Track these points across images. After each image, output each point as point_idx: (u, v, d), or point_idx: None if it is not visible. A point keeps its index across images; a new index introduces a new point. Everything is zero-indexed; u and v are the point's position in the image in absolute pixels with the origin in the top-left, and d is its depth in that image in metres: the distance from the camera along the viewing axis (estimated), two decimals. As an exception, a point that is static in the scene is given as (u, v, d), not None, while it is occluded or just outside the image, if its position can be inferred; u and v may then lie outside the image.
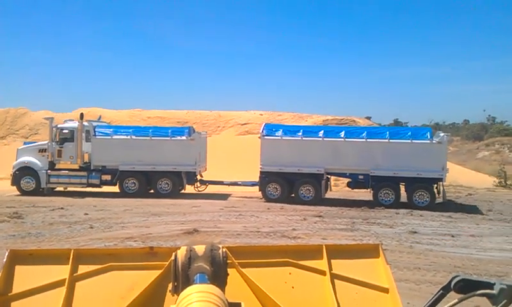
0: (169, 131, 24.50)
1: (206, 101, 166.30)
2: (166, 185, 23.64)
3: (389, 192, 21.38)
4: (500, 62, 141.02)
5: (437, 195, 21.31)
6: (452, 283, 1.49)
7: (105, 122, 27.69)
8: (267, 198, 22.27)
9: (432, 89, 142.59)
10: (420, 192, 21.14)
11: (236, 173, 25.86)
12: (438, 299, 1.54)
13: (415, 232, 15.68)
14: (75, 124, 24.39)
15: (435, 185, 21.34)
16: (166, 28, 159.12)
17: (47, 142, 24.43)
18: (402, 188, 21.79)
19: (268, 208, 20.11)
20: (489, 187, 27.71)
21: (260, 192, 22.75)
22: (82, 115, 24.52)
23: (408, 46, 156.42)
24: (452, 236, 15.28)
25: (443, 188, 21.39)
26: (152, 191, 23.83)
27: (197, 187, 24.60)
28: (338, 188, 26.32)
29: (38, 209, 19.05)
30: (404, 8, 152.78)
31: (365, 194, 22.98)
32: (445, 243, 14.34)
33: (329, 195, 23.09)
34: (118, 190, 23.74)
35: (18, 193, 23.72)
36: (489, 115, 75.72)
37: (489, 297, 1.46)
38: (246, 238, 14.24)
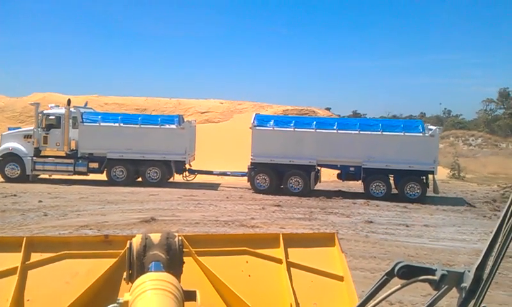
0: (159, 119, 24.09)
1: (165, 88, 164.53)
2: (155, 174, 23.21)
3: (380, 184, 21.42)
4: (457, 56, 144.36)
5: (428, 187, 21.51)
6: (396, 269, 1.52)
7: (91, 109, 27.06)
8: (256, 189, 21.96)
9: (390, 81, 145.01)
10: (411, 185, 21.22)
11: (200, 161, 25.70)
12: (382, 284, 1.57)
13: (371, 222, 15.98)
14: (61, 110, 23.73)
15: (423, 177, 21.48)
16: (123, 12, 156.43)
17: (32, 128, 23.79)
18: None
19: (227, 197, 20.10)
20: (443, 179, 28.40)
21: (249, 183, 22.51)
22: (69, 101, 23.88)
23: (366, 38, 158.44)
24: (407, 226, 15.63)
25: (435, 181, 21.51)
26: (140, 180, 23.45)
27: (186, 177, 24.31)
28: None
29: (-11, 196, 18.54)
30: (363, 1, 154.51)
31: (340, 185, 23.22)
32: (399, 232, 14.67)
33: (317, 187, 22.73)
34: (105, 179, 23.23)
35: (2, 180, 23.02)
36: (445, 108, 77.59)
37: (431, 282, 1.50)
38: (204, 227, 14.21)
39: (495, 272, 1.40)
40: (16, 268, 2.80)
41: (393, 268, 1.53)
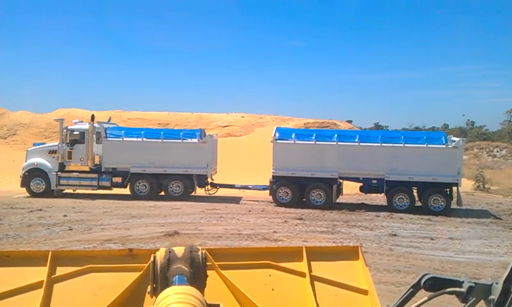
0: (181, 133, 24.26)
1: (187, 103, 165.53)
2: (177, 188, 23.38)
3: (403, 196, 21.22)
4: (479, 67, 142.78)
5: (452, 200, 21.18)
6: (422, 281, 1.51)
7: (115, 124, 27.46)
8: (278, 202, 21.91)
9: (412, 93, 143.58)
10: (435, 197, 20.95)
11: (222, 175, 25.77)
12: (408, 297, 1.56)
13: (395, 235, 15.81)
14: (85, 126, 24.13)
15: (447, 190, 21.21)
16: (144, 28, 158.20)
17: (57, 143, 24.17)
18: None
19: (249, 211, 20.08)
20: (467, 191, 28.02)
21: (271, 197, 22.48)
22: (93, 117, 24.21)
23: (388, 50, 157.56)
24: (432, 239, 15.43)
25: (459, 194, 21.18)
26: (162, 194, 23.60)
27: (208, 190, 24.41)
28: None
29: (16, 210, 18.80)
30: (383, 13, 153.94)
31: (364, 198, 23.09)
32: (424, 246, 14.48)
33: (339, 200, 22.58)
34: (128, 193, 23.47)
35: (27, 195, 23.41)
36: (468, 119, 76.69)
37: (458, 295, 1.48)
38: (226, 241, 14.21)
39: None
40: (42, 282, 2.83)
41: (419, 281, 1.52)
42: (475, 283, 1.47)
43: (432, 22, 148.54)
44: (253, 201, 23.10)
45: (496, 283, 1.44)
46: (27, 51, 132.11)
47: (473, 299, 1.47)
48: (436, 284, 1.50)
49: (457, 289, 1.49)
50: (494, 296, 1.42)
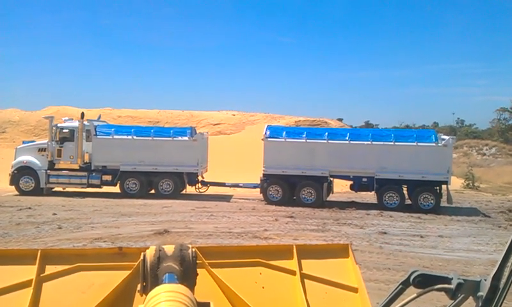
0: (171, 131, 24.22)
1: (178, 100, 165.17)
2: (168, 186, 23.33)
3: (393, 195, 21.30)
4: (469, 65, 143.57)
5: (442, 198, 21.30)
6: (411, 278, 1.52)
7: (105, 122, 27.33)
8: (268, 201, 21.93)
9: (403, 91, 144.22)
10: (425, 195, 21.07)
11: (212, 173, 25.75)
12: (398, 294, 1.56)
13: (385, 233, 15.88)
14: (75, 123, 24.00)
15: (437, 188, 21.30)
16: (135, 25, 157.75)
17: (46, 141, 24.08)
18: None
19: (240, 209, 20.09)
20: (457, 189, 28.18)
21: (262, 195, 22.47)
22: (83, 114, 24.09)
23: (379, 48, 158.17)
24: (421, 236, 15.51)
25: (449, 192, 21.28)
26: (153, 192, 23.55)
27: (198, 188, 24.35)
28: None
29: (4, 209, 18.68)
30: (374, 10, 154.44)
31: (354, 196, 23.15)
32: (414, 243, 14.56)
33: (330, 198, 22.52)
34: (118, 191, 23.39)
35: (16, 193, 23.27)
36: (458, 118, 77.11)
37: (447, 291, 1.49)
38: (217, 239, 14.20)
39: (512, 281, 1.39)
40: (31, 281, 2.82)
41: (408, 277, 1.53)
42: (464, 280, 1.48)
43: (423, 20, 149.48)
44: (244, 199, 23.10)
45: (485, 280, 1.45)
46: (17, 48, 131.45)
47: (462, 295, 1.49)
48: (425, 281, 1.50)
49: (446, 286, 1.49)
50: (483, 293, 1.43)
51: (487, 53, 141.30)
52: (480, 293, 1.44)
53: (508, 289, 1.39)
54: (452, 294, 1.48)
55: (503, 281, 1.40)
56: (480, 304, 1.43)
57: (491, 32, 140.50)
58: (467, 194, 27.97)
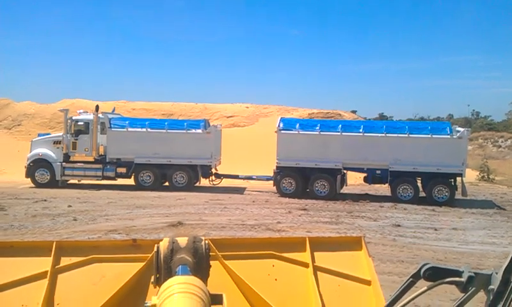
0: (185, 124, 24.35)
1: (191, 93, 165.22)
2: (182, 179, 23.44)
3: (407, 187, 21.16)
4: (484, 57, 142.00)
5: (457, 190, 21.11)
6: (422, 271, 1.52)
7: (119, 114, 27.52)
8: (282, 193, 21.93)
9: (417, 83, 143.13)
10: (439, 187, 20.93)
11: (226, 165, 25.79)
12: (408, 287, 1.56)
13: (399, 225, 15.81)
14: (90, 116, 24.20)
15: (451, 180, 21.16)
16: (149, 19, 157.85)
17: (61, 134, 24.32)
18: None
19: (253, 201, 20.12)
20: (472, 181, 27.96)
21: (275, 187, 22.47)
22: (97, 107, 24.23)
23: (394, 40, 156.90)
24: (435, 229, 15.43)
25: (463, 184, 21.10)
26: (167, 184, 23.67)
27: (212, 181, 24.48)
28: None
29: (20, 201, 18.88)
30: (388, 2, 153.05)
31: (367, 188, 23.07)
32: (428, 236, 14.48)
33: (343, 190, 22.49)
34: (133, 183, 23.55)
35: (32, 185, 23.53)
36: (474, 110, 76.44)
37: (458, 284, 1.49)
38: (230, 231, 14.24)
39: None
40: (47, 273, 2.85)
41: (419, 270, 1.53)
42: (475, 273, 1.48)
43: (437, 12, 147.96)
44: (257, 192, 23.13)
45: (496, 273, 1.44)
46: (32, 41, 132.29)
47: (473, 288, 1.48)
48: (436, 274, 1.50)
49: (456, 279, 1.49)
50: (494, 286, 1.43)
51: (503, 45, 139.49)
52: (491, 287, 1.44)
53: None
54: (463, 287, 1.48)
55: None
56: (491, 297, 1.43)
57: (508, 24, 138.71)
58: (482, 187, 27.74)
